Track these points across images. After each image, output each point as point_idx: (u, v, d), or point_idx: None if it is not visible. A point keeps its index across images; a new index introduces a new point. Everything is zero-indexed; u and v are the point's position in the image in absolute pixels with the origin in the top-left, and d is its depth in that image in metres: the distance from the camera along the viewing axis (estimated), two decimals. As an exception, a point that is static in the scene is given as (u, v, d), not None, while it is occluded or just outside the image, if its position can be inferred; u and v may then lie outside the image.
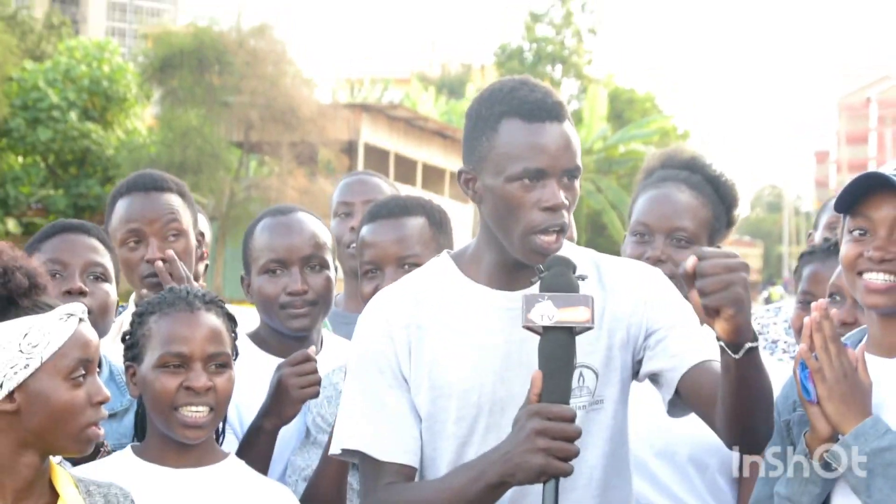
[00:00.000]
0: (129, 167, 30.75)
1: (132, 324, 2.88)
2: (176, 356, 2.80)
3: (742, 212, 4.22)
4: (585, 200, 41.27)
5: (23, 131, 30.53)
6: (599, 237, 39.53)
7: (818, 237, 4.03)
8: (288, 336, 3.29)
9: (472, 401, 2.61)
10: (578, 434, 2.41)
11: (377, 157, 36.51)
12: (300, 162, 32.48)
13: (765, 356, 2.71)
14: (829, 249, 3.44)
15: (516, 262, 2.63)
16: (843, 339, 2.82)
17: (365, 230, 3.27)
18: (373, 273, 3.21)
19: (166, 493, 2.75)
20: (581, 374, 2.62)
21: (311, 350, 3.09)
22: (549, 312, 2.43)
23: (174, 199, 3.55)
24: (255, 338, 3.34)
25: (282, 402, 3.02)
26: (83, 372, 2.43)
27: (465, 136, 2.69)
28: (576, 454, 2.41)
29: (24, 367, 2.40)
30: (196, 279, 3.58)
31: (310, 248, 3.28)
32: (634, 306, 2.68)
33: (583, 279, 2.50)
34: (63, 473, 2.53)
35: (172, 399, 2.79)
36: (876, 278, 2.70)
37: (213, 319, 2.85)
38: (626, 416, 2.73)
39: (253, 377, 3.12)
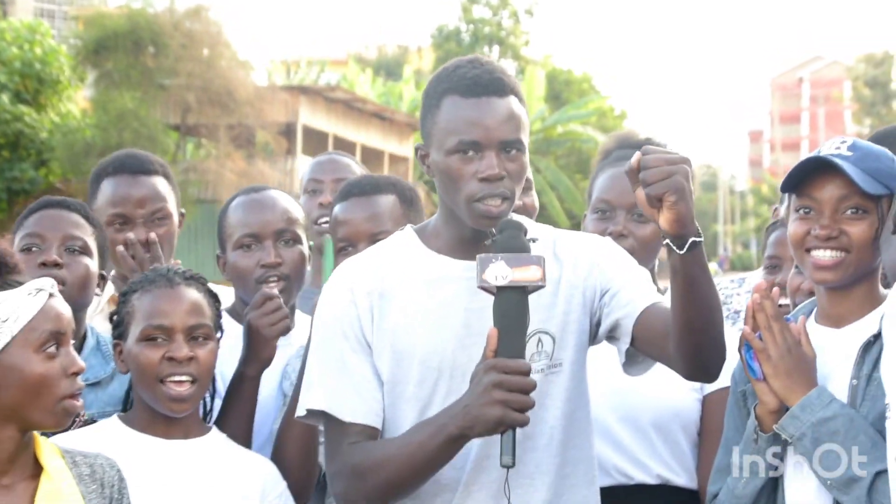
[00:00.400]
0: (64, 150, 30.53)
1: (118, 303, 3.01)
2: (158, 328, 2.94)
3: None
4: (524, 181, 41.52)
5: (-46, 115, 30.17)
6: (538, 218, 39.73)
7: (783, 211, 4.19)
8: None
9: (433, 365, 2.73)
10: (533, 386, 2.56)
11: (316, 140, 36.45)
12: (238, 145, 32.40)
13: (727, 326, 2.88)
14: None
15: (474, 232, 2.75)
16: (795, 309, 3.05)
17: (338, 208, 3.38)
18: (346, 250, 3.29)
19: (154, 462, 2.88)
20: (539, 340, 2.75)
21: (270, 290, 3.22)
22: (502, 272, 2.57)
23: (161, 183, 3.64)
24: (232, 312, 3.44)
25: (257, 345, 3.14)
26: (55, 344, 2.48)
27: (420, 116, 2.83)
28: (531, 405, 2.55)
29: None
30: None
31: (282, 223, 3.39)
32: (588, 271, 2.82)
33: (534, 241, 2.66)
34: (48, 445, 2.58)
35: (156, 370, 2.91)
36: (823, 255, 2.86)
37: (193, 294, 2.99)
38: (584, 378, 2.86)
39: (233, 350, 3.21)
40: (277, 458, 3.10)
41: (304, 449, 3.11)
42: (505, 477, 2.66)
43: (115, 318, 3.03)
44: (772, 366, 2.79)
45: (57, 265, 3.14)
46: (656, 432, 3.31)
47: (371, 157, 39.15)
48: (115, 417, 3.00)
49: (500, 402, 2.53)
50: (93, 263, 3.25)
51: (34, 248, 3.16)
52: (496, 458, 2.62)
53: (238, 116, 31.74)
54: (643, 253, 3.37)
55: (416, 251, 2.81)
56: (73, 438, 2.81)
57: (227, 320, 3.35)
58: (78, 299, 3.14)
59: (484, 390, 2.54)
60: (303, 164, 34.82)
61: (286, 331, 3.18)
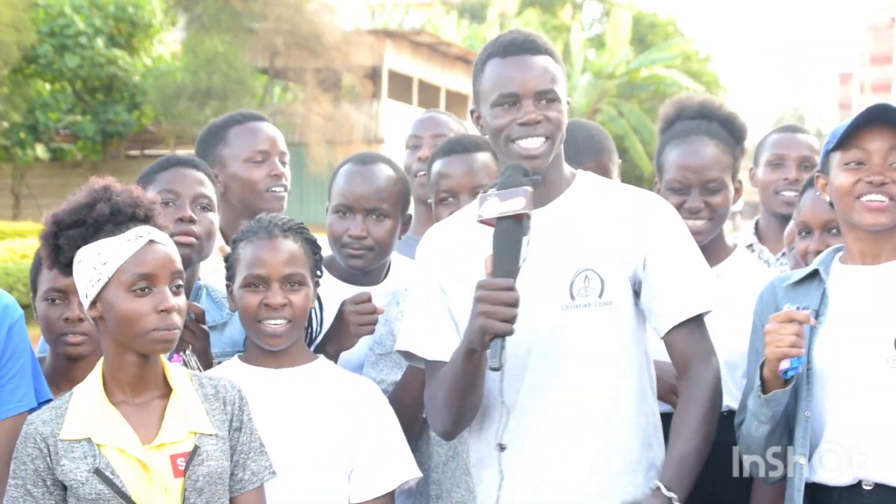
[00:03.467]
0: (156, 94, 30.95)
1: (231, 248, 3.36)
2: (256, 277, 3.27)
3: (757, 138, 4.76)
4: (607, 125, 41.37)
5: (50, 58, 30.61)
6: (621, 161, 39.62)
7: (760, 173, 4.52)
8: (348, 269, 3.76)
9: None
10: (514, 299, 2.87)
11: (401, 83, 36.59)
12: (325, 88, 32.55)
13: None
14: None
15: None
16: (817, 259, 3.30)
17: (440, 163, 3.72)
18: (447, 200, 3.66)
19: (268, 388, 3.24)
20: (587, 277, 3.10)
21: (369, 293, 3.55)
22: (493, 206, 2.93)
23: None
24: (328, 265, 3.75)
25: (342, 334, 3.50)
26: (145, 284, 2.89)
27: (472, 85, 3.22)
28: (511, 316, 2.87)
29: (98, 281, 2.90)
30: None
31: (375, 201, 3.71)
32: (641, 233, 3.14)
33: (534, 181, 2.97)
34: (175, 370, 3.03)
35: (255, 313, 3.26)
36: (875, 199, 3.12)
37: (290, 244, 3.31)
38: (639, 322, 3.18)
39: (324, 297, 3.56)
40: (394, 400, 3.45)
41: (419, 395, 3.45)
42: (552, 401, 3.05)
43: (226, 261, 3.37)
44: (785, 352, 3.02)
45: (192, 221, 3.51)
46: (727, 370, 3.52)
47: (455, 100, 39.24)
48: (235, 357, 3.37)
49: (482, 313, 2.87)
50: (216, 218, 3.62)
51: (170, 204, 3.50)
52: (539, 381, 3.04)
53: (325, 60, 31.86)
54: (718, 220, 3.77)
55: None
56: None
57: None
58: (205, 251, 3.56)
59: (473, 306, 2.91)
60: (388, 108, 35.08)
61: (370, 333, 3.53)
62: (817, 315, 3.15)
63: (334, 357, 3.50)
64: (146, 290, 2.90)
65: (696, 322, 3.15)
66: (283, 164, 4.22)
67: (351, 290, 3.69)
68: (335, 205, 3.76)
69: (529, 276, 2.98)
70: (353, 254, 3.69)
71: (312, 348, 3.48)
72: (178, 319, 2.93)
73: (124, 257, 2.90)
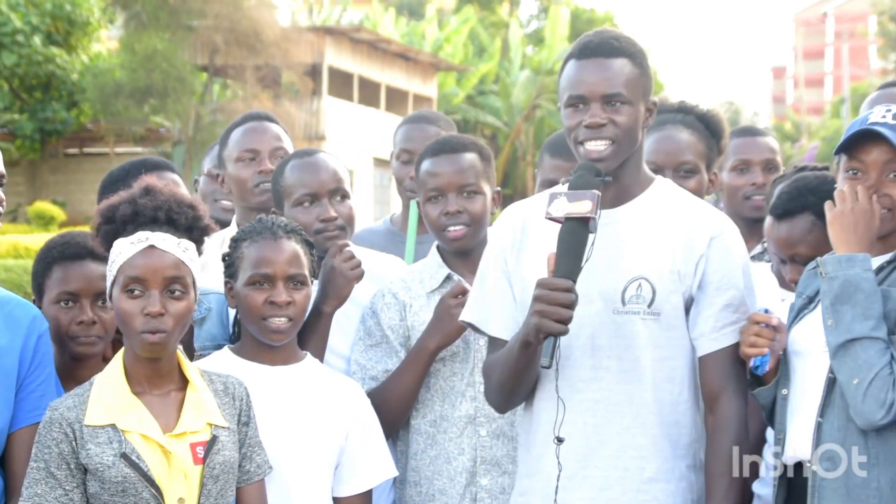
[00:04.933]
0: (94, 91, 30.76)
1: (230, 247, 3.49)
2: (262, 276, 3.40)
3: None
4: (546, 121, 41.66)
5: (-14, 56, 30.45)
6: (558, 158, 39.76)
7: (725, 178, 4.70)
8: (322, 256, 3.87)
9: None
10: (571, 301, 2.98)
11: (341, 80, 36.63)
12: (265, 85, 32.53)
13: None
14: (799, 171, 3.99)
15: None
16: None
17: (428, 163, 3.83)
18: (436, 199, 3.77)
19: (262, 385, 3.37)
20: (640, 285, 3.19)
21: (346, 242, 3.77)
22: (562, 206, 3.05)
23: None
24: None
25: (339, 286, 3.66)
26: (135, 287, 3.06)
27: None
28: (567, 317, 2.98)
29: (110, 278, 3.11)
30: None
31: (335, 183, 3.89)
32: (702, 254, 3.21)
33: (604, 181, 3.09)
34: (190, 365, 3.20)
35: (260, 311, 3.39)
36: None
37: (292, 245, 3.45)
38: (683, 333, 3.22)
39: None
40: (387, 388, 3.64)
41: (414, 389, 3.64)
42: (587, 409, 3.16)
43: (226, 259, 3.48)
44: (835, 214, 3.15)
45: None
46: None
47: (395, 97, 39.36)
48: (226, 349, 3.51)
49: (538, 312, 2.98)
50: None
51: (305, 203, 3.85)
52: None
53: (265, 57, 31.81)
54: None
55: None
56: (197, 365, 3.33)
57: None
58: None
59: (531, 303, 3.02)
60: (329, 105, 35.10)
61: (361, 276, 3.70)
62: (811, 300, 3.31)
63: (331, 316, 3.68)
64: (137, 292, 3.07)
65: (732, 352, 3.24)
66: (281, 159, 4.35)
67: None
68: (297, 197, 3.86)
69: (588, 275, 3.07)
70: (329, 236, 3.84)
71: (309, 315, 3.62)
72: (166, 323, 3.06)
73: (125, 259, 3.08)
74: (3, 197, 3.33)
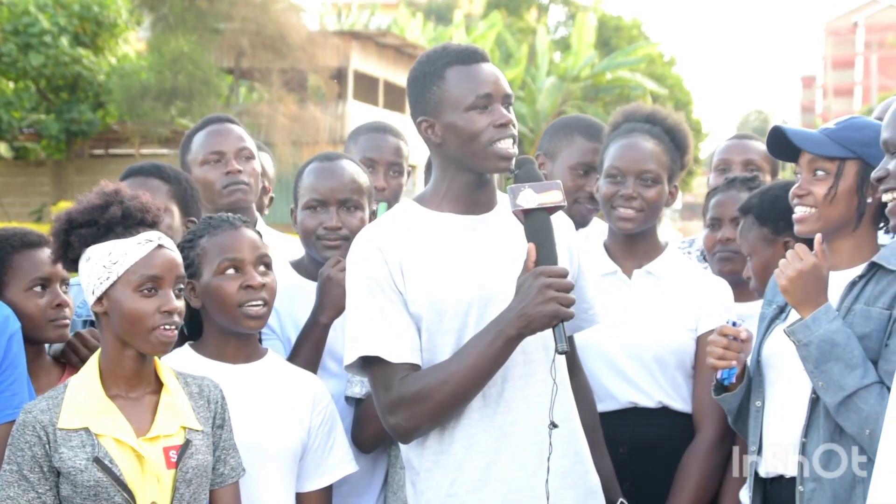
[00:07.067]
0: (121, 93, 30.87)
1: (184, 249, 3.42)
2: (233, 261, 3.39)
3: (715, 144, 5.03)
4: (572, 127, 41.44)
5: (14, 56, 30.52)
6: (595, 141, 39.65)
7: (713, 179, 4.79)
8: (322, 263, 3.87)
9: (463, 299, 3.20)
10: (571, 285, 3.07)
11: (366, 85, 36.69)
12: (290, 89, 32.60)
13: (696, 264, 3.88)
14: (729, 183, 4.29)
15: (475, 187, 3.27)
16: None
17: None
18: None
19: (225, 384, 3.33)
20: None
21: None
22: (531, 197, 3.11)
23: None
24: (297, 266, 3.96)
25: (335, 296, 3.64)
26: (151, 286, 3.08)
27: (413, 95, 3.31)
28: (573, 301, 3.06)
29: (106, 279, 3.09)
30: (261, 210, 4.45)
31: (347, 192, 3.87)
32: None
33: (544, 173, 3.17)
34: (166, 367, 3.20)
35: (236, 298, 3.37)
36: (799, 211, 3.35)
37: (251, 233, 3.46)
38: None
39: (294, 297, 3.76)
40: (356, 437, 3.67)
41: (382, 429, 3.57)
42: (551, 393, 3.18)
43: (186, 260, 3.36)
44: (788, 281, 3.17)
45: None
46: (657, 365, 3.87)
47: (421, 101, 39.30)
48: (186, 346, 3.46)
49: (553, 299, 3.02)
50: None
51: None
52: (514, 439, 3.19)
53: (291, 61, 31.91)
54: (650, 212, 3.96)
55: (426, 215, 3.29)
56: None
57: (290, 273, 3.90)
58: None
59: (538, 292, 3.03)
60: (354, 109, 35.14)
61: None
62: (781, 310, 3.32)
63: (328, 327, 3.67)
64: (152, 291, 3.09)
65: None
66: (247, 159, 4.38)
67: None
68: (306, 201, 3.88)
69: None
70: (329, 245, 3.83)
71: (306, 326, 3.65)
72: (178, 321, 3.11)
73: (134, 259, 3.09)
74: None
